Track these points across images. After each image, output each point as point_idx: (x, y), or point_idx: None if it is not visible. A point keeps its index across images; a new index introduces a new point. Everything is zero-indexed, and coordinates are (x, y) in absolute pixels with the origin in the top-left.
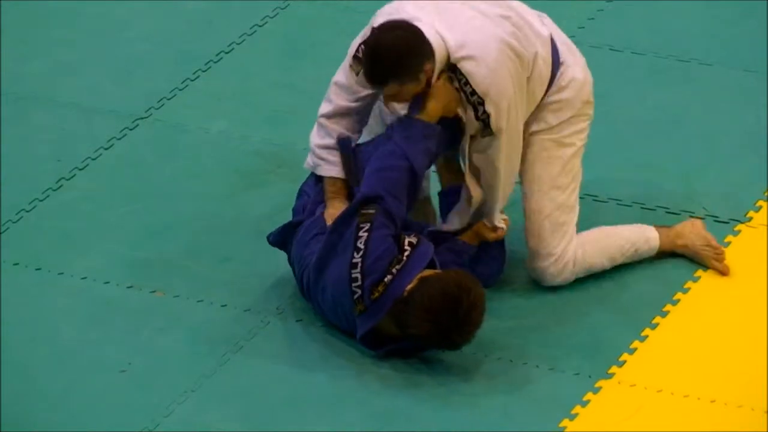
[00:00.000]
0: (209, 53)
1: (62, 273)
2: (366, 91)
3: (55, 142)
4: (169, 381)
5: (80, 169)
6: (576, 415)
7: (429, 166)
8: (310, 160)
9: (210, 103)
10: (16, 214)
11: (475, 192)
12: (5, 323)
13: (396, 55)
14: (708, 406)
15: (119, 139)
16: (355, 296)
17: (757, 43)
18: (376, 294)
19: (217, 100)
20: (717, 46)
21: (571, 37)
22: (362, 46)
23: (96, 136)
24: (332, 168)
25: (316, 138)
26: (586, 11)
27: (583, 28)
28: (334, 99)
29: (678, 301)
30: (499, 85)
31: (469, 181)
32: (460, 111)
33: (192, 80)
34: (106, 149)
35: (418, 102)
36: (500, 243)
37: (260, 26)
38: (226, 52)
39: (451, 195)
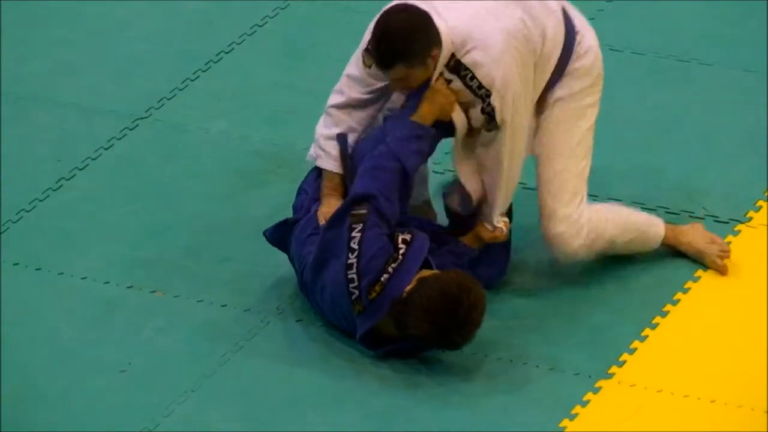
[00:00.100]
0: (209, 53)
1: (62, 273)
2: (379, 84)
3: (55, 142)
4: (169, 381)
5: (80, 169)
6: (576, 415)
7: (419, 167)
8: (312, 150)
9: (210, 103)
10: (16, 214)
11: (472, 187)
12: (5, 323)
13: (405, 37)
14: (708, 406)
15: (119, 139)
16: (353, 297)
17: (757, 43)
18: (374, 294)
19: (217, 100)
20: (717, 46)
21: None
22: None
23: (96, 136)
24: (331, 162)
25: (322, 128)
26: (586, 11)
27: None
28: (347, 91)
29: (678, 301)
30: (505, 76)
31: (465, 178)
32: (454, 115)
33: (192, 80)
34: (106, 149)
35: (413, 97)
36: (504, 247)
37: (260, 26)
38: (226, 52)
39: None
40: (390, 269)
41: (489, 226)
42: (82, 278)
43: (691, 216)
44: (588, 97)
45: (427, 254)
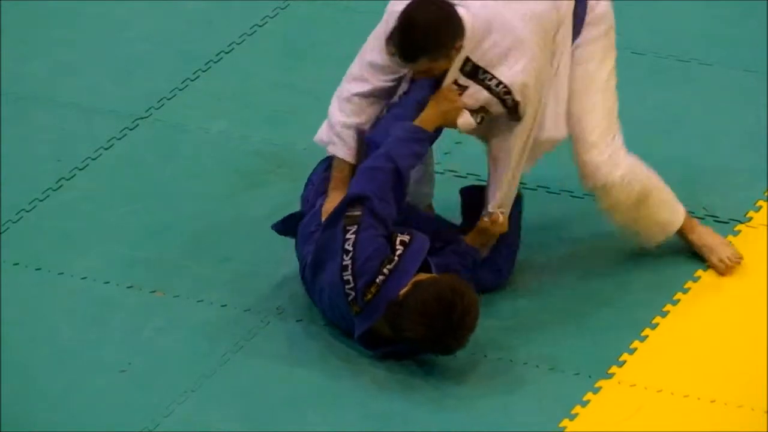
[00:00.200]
0: (209, 53)
1: (62, 273)
2: (402, 71)
3: (55, 142)
4: (169, 381)
5: (80, 169)
6: (576, 415)
7: (413, 168)
8: (324, 135)
9: (210, 103)
10: (16, 214)
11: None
12: (5, 323)
13: (429, 33)
14: (708, 406)
15: (119, 139)
16: (349, 298)
17: (757, 43)
18: (369, 295)
19: (217, 100)
20: (717, 46)
21: None
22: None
23: (96, 136)
24: (345, 151)
25: (340, 115)
26: None
27: None
28: (371, 79)
29: (678, 301)
30: (527, 68)
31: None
32: (459, 121)
33: (192, 80)
34: (106, 149)
35: (417, 85)
36: (511, 255)
37: (260, 26)
38: (226, 52)
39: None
40: (386, 270)
41: (485, 217)
42: (82, 278)
43: (691, 216)
44: (610, 40)
45: (426, 256)
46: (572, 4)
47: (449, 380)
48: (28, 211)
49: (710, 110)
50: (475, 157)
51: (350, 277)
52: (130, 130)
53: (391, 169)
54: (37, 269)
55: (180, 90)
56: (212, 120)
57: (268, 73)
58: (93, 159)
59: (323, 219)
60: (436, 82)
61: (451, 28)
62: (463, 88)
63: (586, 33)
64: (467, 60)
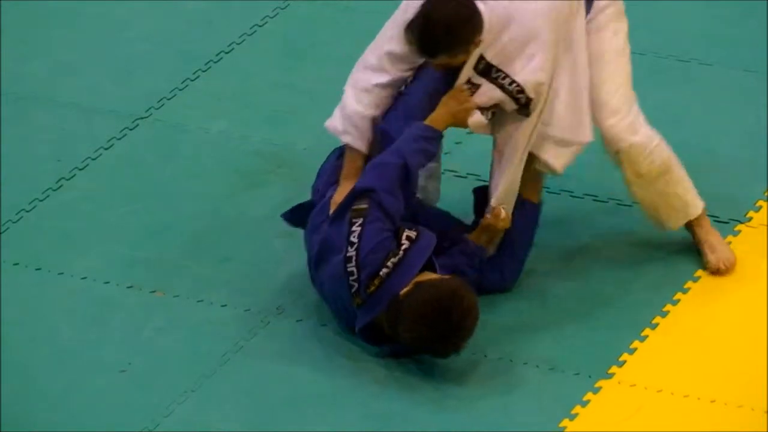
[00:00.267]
0: (209, 53)
1: (62, 273)
2: (420, 60)
3: (55, 142)
4: (169, 381)
5: (80, 169)
6: (576, 415)
7: (422, 166)
8: (338, 124)
9: (210, 103)
10: (16, 214)
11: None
12: (5, 323)
13: (449, 29)
14: (708, 406)
15: (119, 139)
16: (352, 290)
17: (757, 43)
18: (372, 288)
19: (217, 100)
20: (717, 46)
21: None
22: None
23: (96, 136)
24: (360, 142)
25: (357, 105)
26: None
27: None
28: (390, 69)
29: (678, 301)
30: (544, 63)
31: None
32: (470, 121)
33: (192, 80)
34: (106, 149)
35: (430, 75)
36: (519, 261)
37: (260, 26)
38: (226, 52)
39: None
40: (390, 264)
41: (488, 213)
42: (82, 278)
43: None
44: (618, 5)
45: (432, 257)
46: None
47: (449, 380)
48: (28, 211)
49: (710, 110)
50: (475, 157)
51: (354, 269)
52: (130, 130)
53: (399, 165)
54: (37, 269)
55: (180, 90)
56: (212, 120)
57: (268, 73)
58: (93, 159)
59: (331, 211)
60: (447, 73)
61: (471, 24)
62: (475, 87)
63: (597, 3)
64: (481, 58)
